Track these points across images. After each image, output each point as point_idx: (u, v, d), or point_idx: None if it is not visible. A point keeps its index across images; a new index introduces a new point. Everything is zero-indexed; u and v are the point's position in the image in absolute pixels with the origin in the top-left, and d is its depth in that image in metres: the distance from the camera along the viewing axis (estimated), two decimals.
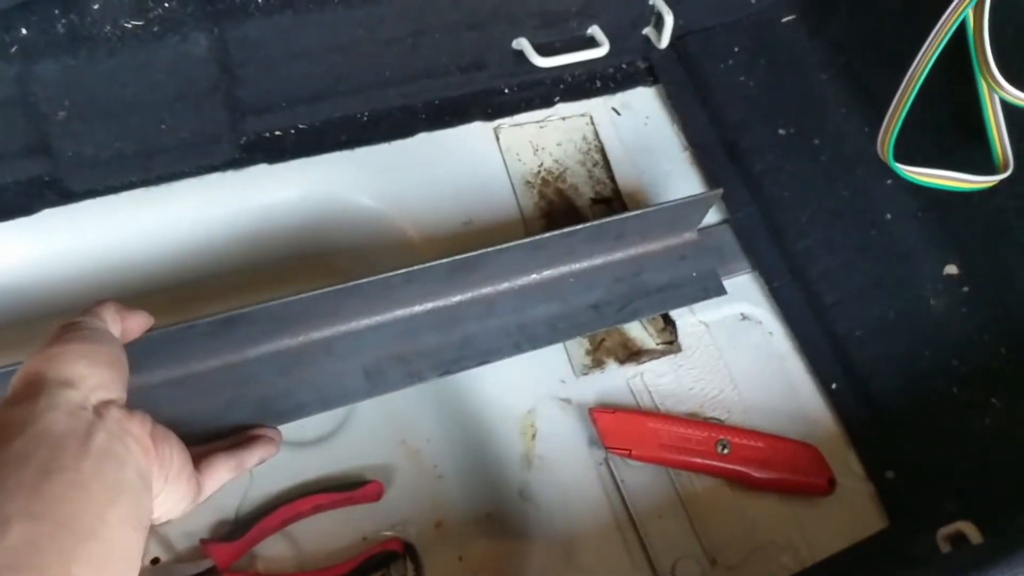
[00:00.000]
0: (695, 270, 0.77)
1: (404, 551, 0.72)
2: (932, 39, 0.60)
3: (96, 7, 0.62)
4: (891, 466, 0.73)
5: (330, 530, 0.73)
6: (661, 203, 0.74)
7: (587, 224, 0.70)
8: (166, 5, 0.64)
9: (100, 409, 0.48)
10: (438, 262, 0.66)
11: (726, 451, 0.70)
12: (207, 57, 0.66)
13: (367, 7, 0.70)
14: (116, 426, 0.48)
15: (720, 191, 0.75)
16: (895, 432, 0.73)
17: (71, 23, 0.62)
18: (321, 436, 0.77)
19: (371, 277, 0.65)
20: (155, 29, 0.64)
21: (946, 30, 0.62)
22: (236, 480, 0.72)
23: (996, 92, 0.66)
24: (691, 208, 0.75)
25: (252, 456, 0.61)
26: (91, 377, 0.49)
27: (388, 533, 0.74)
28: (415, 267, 0.66)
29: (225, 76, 0.69)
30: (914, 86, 0.61)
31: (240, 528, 0.70)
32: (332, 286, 0.64)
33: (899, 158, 0.66)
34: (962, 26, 0.66)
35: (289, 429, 0.74)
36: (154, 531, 0.70)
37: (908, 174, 0.66)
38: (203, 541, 0.69)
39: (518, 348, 0.71)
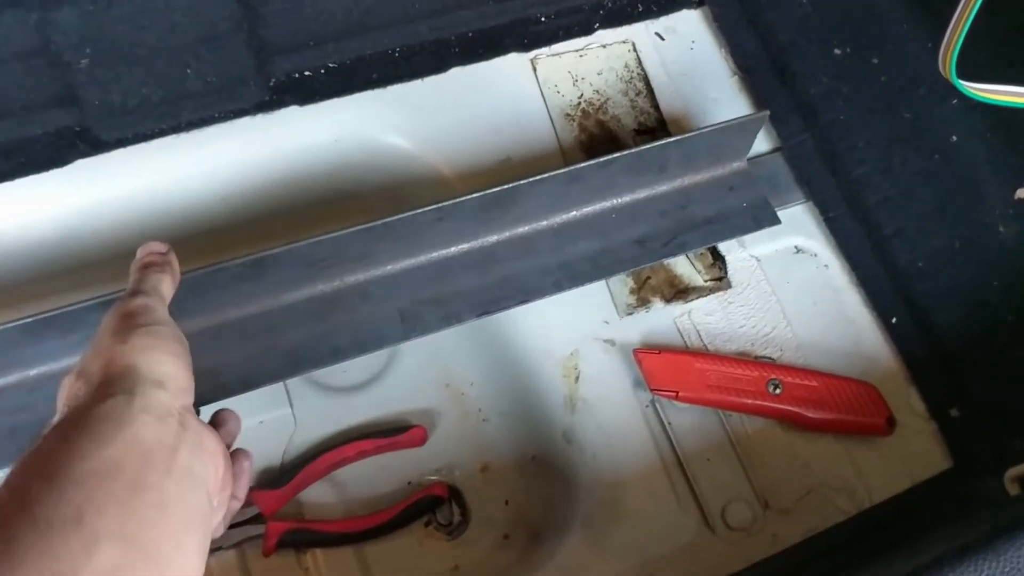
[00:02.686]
0: (745, 200, 0.74)
1: (449, 495, 0.71)
2: None
3: None
4: (955, 404, 0.69)
5: (375, 476, 0.72)
6: (703, 127, 0.70)
7: (625, 152, 0.67)
8: None
9: (183, 417, 0.45)
10: (469, 196, 0.64)
11: (778, 391, 0.68)
12: None
13: None
14: (195, 438, 0.45)
15: (767, 113, 0.71)
16: (960, 368, 0.70)
17: None
18: (364, 381, 0.76)
19: (401, 215, 0.63)
20: None
21: None
22: (281, 428, 0.73)
23: None
24: (736, 133, 0.71)
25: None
26: (179, 379, 0.47)
27: (433, 477, 0.73)
28: (445, 202, 0.64)
29: (248, 14, 0.67)
30: None
31: (285, 475, 0.70)
32: (361, 224, 0.62)
33: (964, 75, 0.61)
34: None
35: (331, 374, 0.75)
36: None
37: (973, 92, 0.61)
38: (250, 488, 0.69)
39: (559, 286, 0.69)
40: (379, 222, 0.63)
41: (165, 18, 0.63)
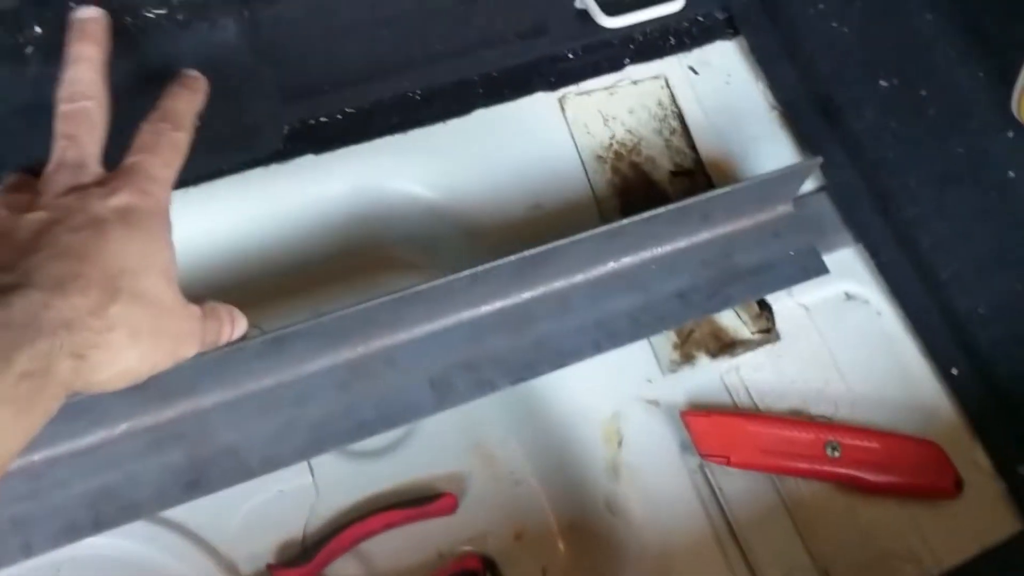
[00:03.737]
0: (792, 248, 0.69)
1: (483, 566, 0.67)
2: None
3: None
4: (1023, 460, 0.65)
5: (403, 547, 0.68)
6: (751, 179, 0.65)
7: (667, 208, 0.63)
8: None
9: None
10: (505, 260, 0.60)
11: (836, 453, 0.63)
12: (238, 43, 0.59)
13: None
14: None
15: (819, 160, 0.67)
16: None
17: None
18: (389, 444, 0.72)
19: (432, 282, 0.59)
20: (180, 17, 0.57)
21: None
22: (301, 498, 0.68)
23: None
24: (785, 181, 0.67)
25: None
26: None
27: (466, 548, 0.69)
28: (480, 267, 0.59)
29: (260, 61, 0.62)
30: None
31: (309, 550, 0.66)
32: (390, 295, 0.58)
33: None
34: None
35: None
36: (218, 555, 0.66)
37: None
38: (270, 566, 0.65)
39: (598, 347, 0.65)
40: (410, 291, 0.58)
41: (172, 68, 0.58)
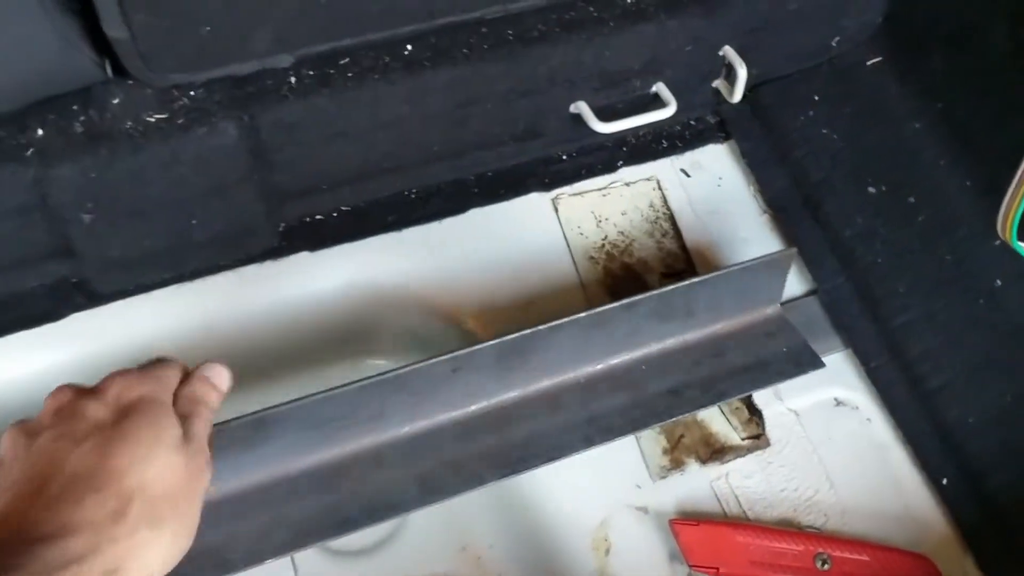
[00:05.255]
0: (785, 346, 0.70)
1: None
2: None
3: (116, 102, 0.57)
4: (1017, 574, 0.64)
5: None
6: (728, 266, 0.66)
7: (648, 294, 0.64)
8: (192, 94, 0.59)
9: None
10: (486, 344, 0.61)
11: (826, 566, 0.62)
12: (238, 146, 0.61)
13: (410, 81, 0.64)
14: None
15: (794, 251, 0.68)
16: (1019, 534, 0.64)
17: (90, 120, 0.57)
18: (375, 543, 0.70)
19: (415, 365, 0.59)
20: (180, 121, 0.59)
21: None
22: None
23: None
24: (764, 271, 0.68)
25: None
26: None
27: None
28: (460, 352, 0.59)
29: (259, 163, 0.63)
30: None
31: None
32: (371, 378, 0.58)
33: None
34: None
35: None
36: None
37: None
38: None
39: (588, 442, 0.64)
40: (390, 374, 0.59)
41: (172, 172, 0.59)
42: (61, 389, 0.46)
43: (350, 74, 0.63)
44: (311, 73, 0.62)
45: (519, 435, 0.64)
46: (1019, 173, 0.52)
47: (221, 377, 0.51)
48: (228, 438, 0.56)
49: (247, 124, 0.60)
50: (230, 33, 0.56)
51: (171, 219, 0.62)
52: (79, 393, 0.45)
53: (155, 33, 0.54)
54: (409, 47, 0.64)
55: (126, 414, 0.44)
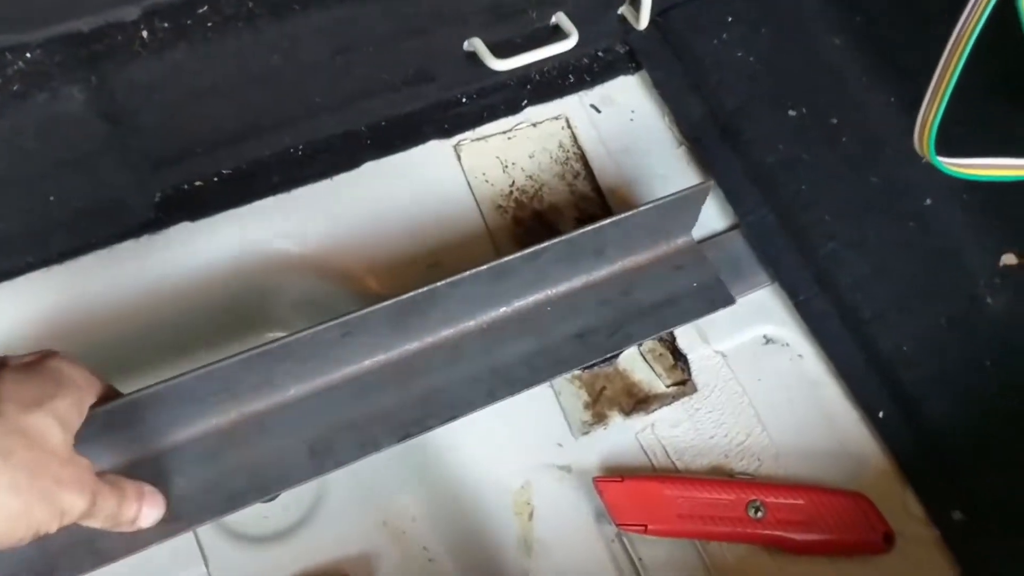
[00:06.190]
0: (695, 280, 0.66)
1: None
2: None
3: None
4: (958, 505, 0.62)
5: None
6: (641, 205, 0.62)
7: (554, 241, 0.59)
8: (28, 57, 0.53)
9: None
10: (378, 306, 0.56)
11: (760, 514, 0.59)
12: (87, 112, 0.55)
13: (278, 27, 0.58)
14: None
15: (711, 183, 0.64)
16: (959, 464, 0.62)
17: None
18: (289, 526, 0.67)
19: (299, 334, 0.54)
20: (15, 88, 0.52)
21: None
22: None
23: None
24: (679, 207, 0.64)
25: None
26: None
27: None
28: (351, 315, 0.55)
29: (118, 129, 0.57)
30: (957, 61, 0.48)
31: None
32: (254, 349, 0.54)
33: (939, 145, 0.54)
34: None
35: (251, 522, 0.66)
36: None
37: (954, 169, 0.53)
38: None
39: (492, 396, 0.60)
40: (274, 344, 0.54)
41: (13, 144, 0.53)
42: None
43: (209, 24, 0.57)
44: (165, 26, 0.56)
45: (418, 390, 0.60)
46: (932, 83, 0.48)
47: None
48: (99, 423, 0.51)
49: (95, 86, 0.55)
50: None
51: (22, 197, 0.56)
52: None
53: None
54: None
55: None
